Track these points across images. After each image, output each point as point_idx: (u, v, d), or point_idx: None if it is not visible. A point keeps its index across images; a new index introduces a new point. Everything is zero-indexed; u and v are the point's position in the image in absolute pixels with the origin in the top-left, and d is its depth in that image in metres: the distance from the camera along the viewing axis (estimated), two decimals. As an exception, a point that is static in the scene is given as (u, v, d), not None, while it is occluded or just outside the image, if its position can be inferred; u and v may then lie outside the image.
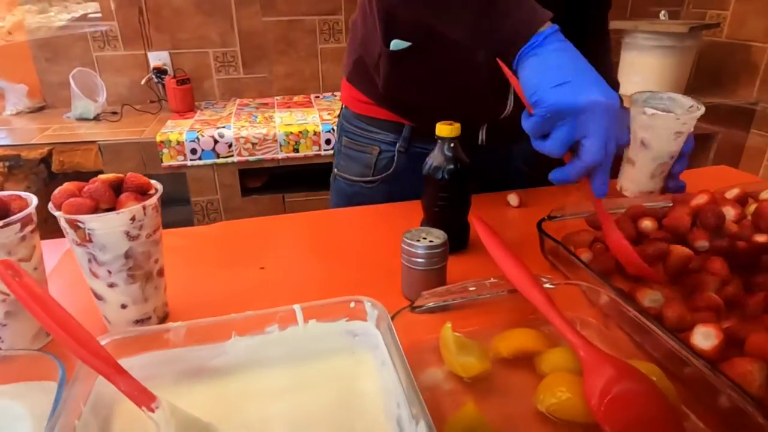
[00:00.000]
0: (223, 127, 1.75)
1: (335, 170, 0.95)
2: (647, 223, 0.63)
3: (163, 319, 0.56)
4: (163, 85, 2.00)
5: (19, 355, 0.44)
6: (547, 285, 0.51)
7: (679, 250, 0.57)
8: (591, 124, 0.50)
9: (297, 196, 1.84)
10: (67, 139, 1.69)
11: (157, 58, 2.04)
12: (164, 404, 0.38)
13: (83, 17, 1.97)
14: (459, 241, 0.69)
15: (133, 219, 0.48)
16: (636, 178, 0.76)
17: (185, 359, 0.44)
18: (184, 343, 0.44)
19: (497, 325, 0.51)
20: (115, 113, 1.95)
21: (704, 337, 0.44)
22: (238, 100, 2.14)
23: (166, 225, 0.71)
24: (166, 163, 1.70)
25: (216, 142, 1.70)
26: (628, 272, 0.58)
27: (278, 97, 2.17)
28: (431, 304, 0.51)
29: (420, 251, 0.56)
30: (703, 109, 0.70)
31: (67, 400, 0.36)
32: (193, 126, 1.77)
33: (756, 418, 0.36)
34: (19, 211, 0.47)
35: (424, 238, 0.57)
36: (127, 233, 0.48)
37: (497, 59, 0.57)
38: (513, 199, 0.83)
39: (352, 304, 0.47)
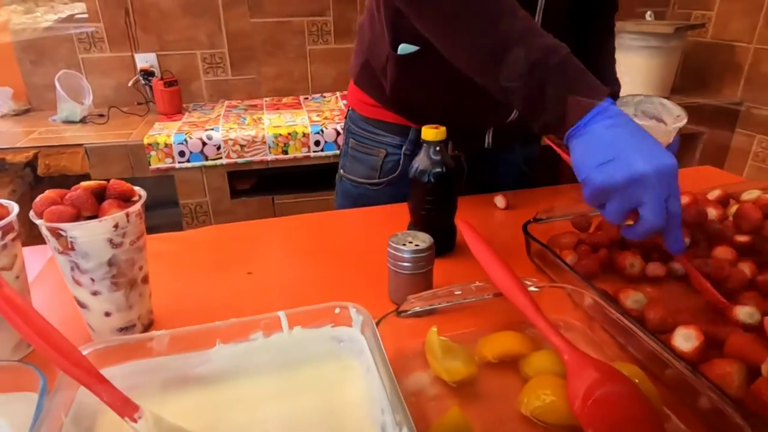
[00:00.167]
0: (212, 129, 1.74)
1: (341, 171, 0.95)
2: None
3: (148, 327, 0.55)
4: (151, 87, 1.99)
5: (-1, 366, 0.44)
6: (532, 288, 0.51)
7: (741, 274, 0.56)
8: (642, 194, 0.50)
9: (287, 198, 1.83)
10: (53, 142, 1.67)
11: (144, 59, 2.02)
12: (147, 414, 0.37)
13: (70, 18, 1.95)
14: (446, 243, 0.69)
15: (116, 226, 0.47)
16: None
17: (169, 368, 0.44)
18: (168, 351, 0.44)
19: (483, 329, 0.51)
20: (101, 116, 1.93)
21: (685, 339, 0.45)
22: (226, 102, 2.13)
23: (154, 228, 0.71)
24: (154, 165, 1.69)
25: (204, 144, 1.69)
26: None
27: (267, 99, 2.17)
28: (417, 309, 0.51)
29: (406, 255, 0.56)
30: (686, 120, 0.72)
31: (49, 411, 0.36)
32: (181, 128, 1.75)
33: (735, 419, 0.36)
34: (0, 219, 0.46)
35: (410, 242, 0.57)
36: (110, 241, 0.48)
37: (546, 139, 0.58)
38: (500, 201, 0.83)
39: (337, 310, 0.47)
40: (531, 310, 0.47)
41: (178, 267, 0.69)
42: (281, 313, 0.46)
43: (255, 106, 2.06)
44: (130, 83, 2.01)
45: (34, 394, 0.38)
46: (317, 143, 1.75)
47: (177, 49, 2.05)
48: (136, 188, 0.51)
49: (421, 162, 0.65)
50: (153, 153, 1.67)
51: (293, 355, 0.46)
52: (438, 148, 0.65)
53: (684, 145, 0.72)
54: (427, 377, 0.47)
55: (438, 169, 0.64)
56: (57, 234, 0.46)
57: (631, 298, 0.54)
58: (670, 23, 1.98)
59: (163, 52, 2.04)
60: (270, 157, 1.75)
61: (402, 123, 0.84)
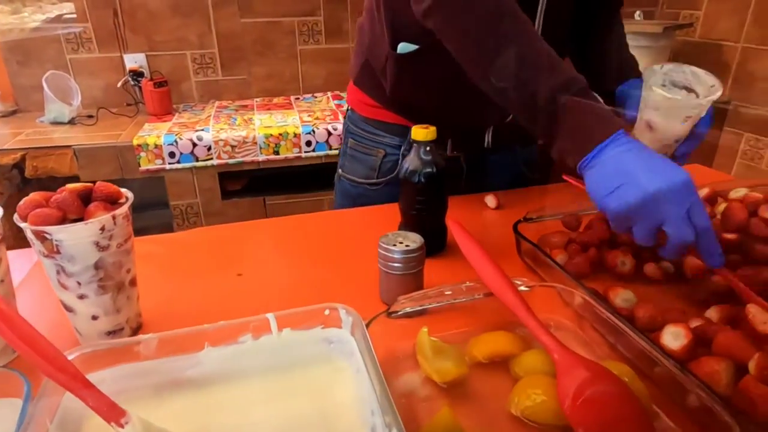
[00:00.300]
0: (202, 129, 1.72)
1: (340, 171, 0.95)
2: (620, 224, 0.64)
3: (137, 330, 0.55)
4: (140, 88, 1.97)
5: (-17, 371, 0.43)
6: (522, 287, 0.51)
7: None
8: (661, 212, 0.50)
9: (278, 199, 1.83)
10: (41, 143, 1.66)
11: (133, 60, 2.01)
12: (134, 419, 0.37)
13: (58, 18, 1.92)
14: (437, 243, 0.69)
15: (102, 229, 0.47)
16: None
17: (158, 371, 0.44)
18: (156, 354, 0.43)
19: (474, 329, 0.51)
20: (90, 117, 1.91)
21: (674, 337, 0.45)
22: (217, 103, 2.12)
23: (145, 230, 0.70)
24: (144, 167, 1.67)
25: (195, 145, 1.68)
26: None
27: (258, 99, 2.16)
28: (408, 309, 0.51)
29: (396, 256, 0.56)
30: (720, 91, 0.65)
31: (33, 417, 0.36)
32: (171, 129, 1.74)
33: (723, 417, 0.36)
34: (-16, 223, 0.46)
35: (401, 243, 0.57)
36: (97, 243, 0.47)
37: (564, 176, 0.60)
38: (491, 200, 0.83)
39: (327, 312, 0.46)
40: (521, 309, 0.47)
41: (168, 269, 0.68)
42: (270, 315, 0.46)
43: (246, 106, 2.05)
44: (119, 84, 1.99)
45: (18, 399, 0.37)
46: (308, 143, 1.75)
47: (167, 49, 2.03)
48: (123, 190, 0.50)
49: (411, 162, 0.65)
50: (143, 154, 1.66)
51: (283, 357, 0.46)
52: (428, 148, 0.65)
53: (672, 144, 0.72)
54: (417, 378, 0.47)
55: (428, 169, 0.64)
56: (42, 237, 0.45)
57: (621, 297, 0.54)
58: (659, 23, 2.00)
59: (152, 52, 2.02)
60: (261, 158, 1.74)
61: (401, 123, 0.84)
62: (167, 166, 1.69)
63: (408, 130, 0.84)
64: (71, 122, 1.86)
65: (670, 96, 0.60)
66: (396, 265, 0.56)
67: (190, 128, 1.74)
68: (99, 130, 1.80)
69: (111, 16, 1.94)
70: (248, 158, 1.73)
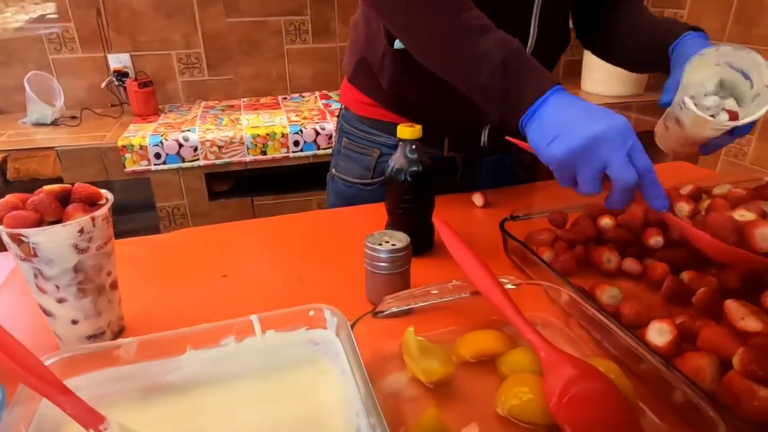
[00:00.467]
0: (188, 130, 1.71)
1: (333, 170, 0.94)
2: (606, 221, 0.64)
3: (119, 334, 0.54)
4: (125, 88, 1.95)
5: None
6: (509, 285, 0.51)
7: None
8: (602, 154, 0.50)
9: (266, 199, 1.81)
10: (23, 145, 1.63)
11: (117, 60, 1.98)
12: (114, 425, 0.36)
13: (41, 18, 1.89)
14: (423, 242, 0.69)
15: (81, 231, 0.46)
16: (664, 138, 0.68)
17: (139, 376, 0.43)
18: (137, 358, 0.43)
19: (461, 328, 0.51)
20: (74, 118, 1.88)
21: (659, 333, 0.45)
22: (203, 103, 2.10)
23: (131, 232, 0.69)
24: (129, 168, 1.65)
25: (181, 145, 1.66)
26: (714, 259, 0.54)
27: (245, 99, 2.14)
28: (394, 309, 0.50)
29: (383, 255, 0.55)
30: (766, 107, 0.57)
31: (8, 425, 0.35)
32: (157, 130, 1.72)
33: (708, 413, 0.37)
34: (-42, 227, 0.45)
35: (387, 242, 0.56)
36: (76, 246, 0.46)
37: (508, 138, 0.61)
38: (477, 199, 0.83)
39: (311, 312, 0.46)
40: (508, 307, 0.47)
41: (151, 271, 0.67)
42: (254, 317, 0.45)
43: (232, 106, 2.03)
44: (103, 84, 1.96)
45: (-7, 407, 0.37)
46: (296, 143, 1.74)
47: (151, 49, 2.01)
48: (103, 191, 0.49)
49: (397, 161, 0.65)
50: (128, 155, 1.64)
51: (267, 359, 0.45)
52: (414, 147, 0.64)
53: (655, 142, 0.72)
54: (404, 378, 0.47)
55: (414, 168, 0.64)
56: (18, 240, 0.44)
57: (607, 294, 0.54)
58: (644, 21, 2.02)
59: (136, 52, 2.00)
60: (248, 158, 1.72)
61: (397, 122, 0.84)
62: (153, 168, 1.67)
63: None
64: (54, 123, 1.83)
65: (701, 114, 0.58)
66: (382, 264, 0.56)
67: (176, 129, 1.72)
68: (83, 131, 1.78)
69: (94, 15, 1.91)
70: (235, 159, 1.71)
